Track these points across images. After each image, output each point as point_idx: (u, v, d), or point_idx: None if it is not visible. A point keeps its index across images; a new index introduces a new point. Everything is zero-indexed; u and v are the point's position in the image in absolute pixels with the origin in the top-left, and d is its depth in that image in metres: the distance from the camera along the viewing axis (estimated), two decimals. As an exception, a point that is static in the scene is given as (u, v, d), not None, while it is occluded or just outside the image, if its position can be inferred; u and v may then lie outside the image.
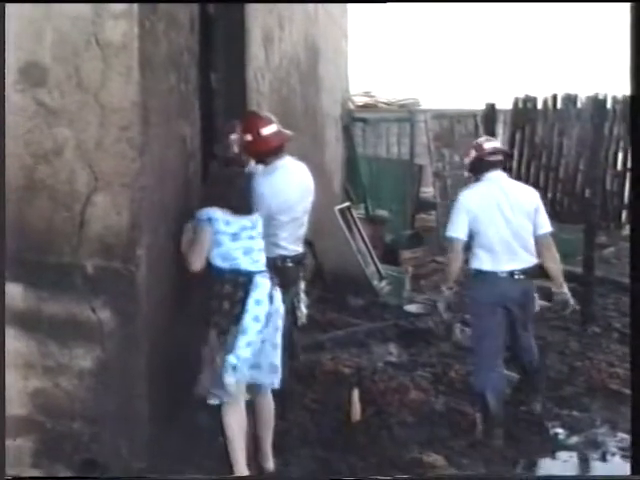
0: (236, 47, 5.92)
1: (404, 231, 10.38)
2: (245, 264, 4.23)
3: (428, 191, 11.73)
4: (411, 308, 7.74)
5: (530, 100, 13.01)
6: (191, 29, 4.55)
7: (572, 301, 5.24)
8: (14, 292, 3.99)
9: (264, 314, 4.15)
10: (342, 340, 6.70)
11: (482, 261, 5.05)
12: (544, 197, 7.14)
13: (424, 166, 11.59)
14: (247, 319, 4.10)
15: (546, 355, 5.88)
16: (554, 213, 9.50)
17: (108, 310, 4.02)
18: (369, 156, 11.08)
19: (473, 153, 5.29)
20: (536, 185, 10.55)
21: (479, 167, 5.24)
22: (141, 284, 4.02)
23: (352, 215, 8.79)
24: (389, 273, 8.61)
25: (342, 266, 8.09)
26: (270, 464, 4.42)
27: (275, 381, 4.37)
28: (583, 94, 12.52)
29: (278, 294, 4.30)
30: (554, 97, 12.80)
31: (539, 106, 12.93)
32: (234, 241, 4.23)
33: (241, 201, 4.33)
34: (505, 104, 12.78)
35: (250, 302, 4.12)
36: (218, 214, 4.22)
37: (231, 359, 4.04)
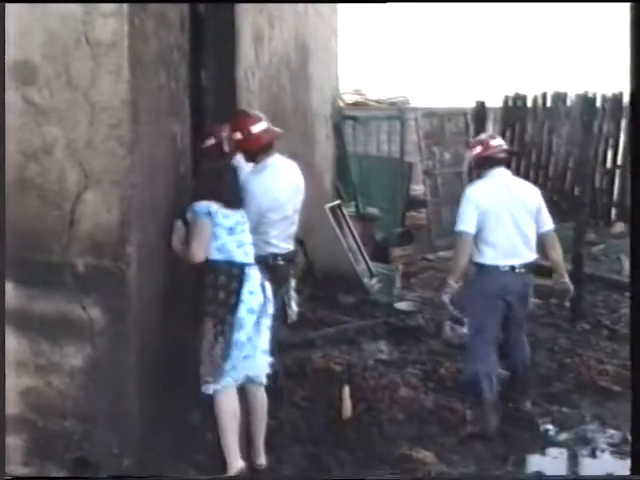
0: (226, 45, 5.92)
1: (394, 229, 10.38)
2: (239, 256, 4.32)
3: (418, 189, 11.76)
4: (401, 306, 7.75)
5: (520, 98, 13.08)
6: (181, 27, 4.55)
7: (572, 288, 5.35)
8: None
9: (258, 305, 4.26)
10: (333, 337, 6.70)
11: (485, 256, 5.07)
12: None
13: (414, 164, 11.61)
14: (242, 310, 4.20)
15: (535, 352, 5.89)
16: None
17: (99, 308, 4.02)
18: (359, 154, 11.06)
19: (478, 149, 5.29)
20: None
21: (484, 163, 5.24)
22: (131, 282, 4.03)
23: (343, 213, 8.79)
24: (379, 271, 8.61)
25: (333, 264, 8.09)
26: (262, 460, 4.45)
27: (267, 371, 4.42)
28: (573, 92, 12.61)
29: (268, 285, 4.38)
30: (544, 95, 12.87)
31: (529, 104, 13.00)
32: (230, 235, 4.32)
33: (232, 195, 4.41)
34: (495, 102, 12.87)
35: (245, 292, 4.22)
36: (215, 207, 4.29)
37: (228, 350, 4.15)
